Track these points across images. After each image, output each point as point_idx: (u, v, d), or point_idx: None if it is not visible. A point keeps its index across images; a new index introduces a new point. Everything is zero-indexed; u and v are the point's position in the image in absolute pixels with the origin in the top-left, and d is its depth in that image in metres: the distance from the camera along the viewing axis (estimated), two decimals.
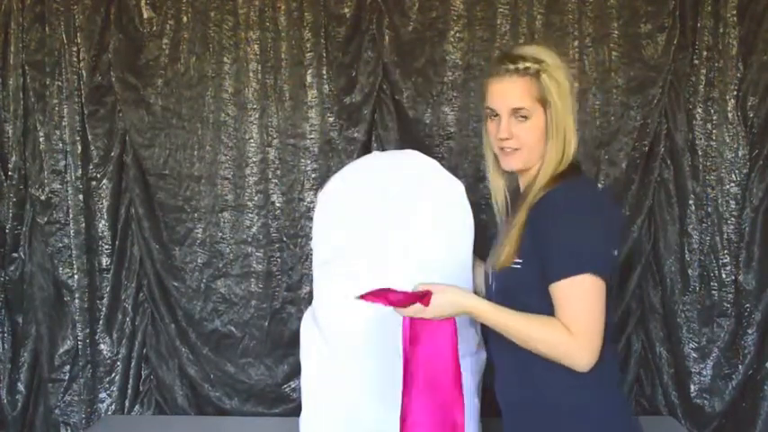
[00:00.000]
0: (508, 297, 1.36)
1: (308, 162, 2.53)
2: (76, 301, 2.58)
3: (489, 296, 1.47)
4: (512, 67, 1.37)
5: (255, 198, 2.54)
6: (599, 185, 1.38)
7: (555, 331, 1.26)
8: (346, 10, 2.48)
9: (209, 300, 2.57)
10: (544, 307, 1.29)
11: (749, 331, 2.49)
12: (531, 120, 1.37)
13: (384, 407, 1.72)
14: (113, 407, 2.62)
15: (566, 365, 1.27)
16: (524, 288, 1.34)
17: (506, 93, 1.38)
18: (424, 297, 1.37)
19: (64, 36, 2.50)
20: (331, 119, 2.51)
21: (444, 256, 1.83)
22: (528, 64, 1.36)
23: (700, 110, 2.47)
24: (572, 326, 1.24)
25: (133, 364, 2.63)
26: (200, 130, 2.53)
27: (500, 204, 1.56)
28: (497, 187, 1.55)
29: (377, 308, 1.64)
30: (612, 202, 1.28)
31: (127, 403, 2.63)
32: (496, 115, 1.42)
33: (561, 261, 1.25)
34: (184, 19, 2.50)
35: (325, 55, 2.49)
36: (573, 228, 1.25)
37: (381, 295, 1.40)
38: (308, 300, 2.35)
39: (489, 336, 1.42)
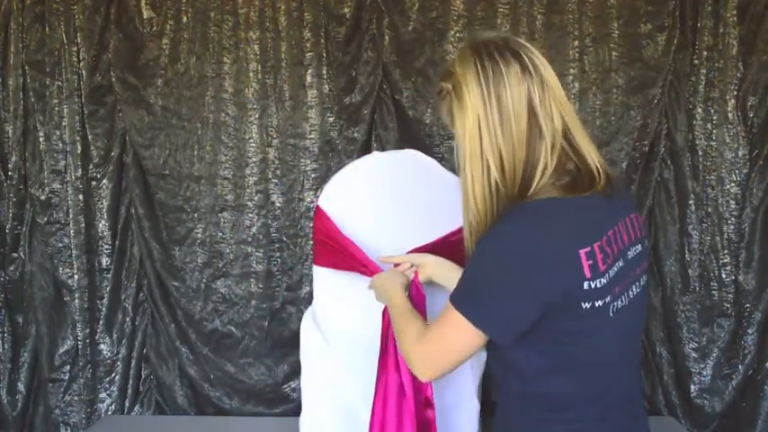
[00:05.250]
0: None
1: (308, 162, 2.53)
2: (76, 301, 2.58)
3: None
4: (438, 90, 1.23)
5: (255, 198, 2.54)
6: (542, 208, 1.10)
7: (409, 333, 1.26)
8: (346, 10, 2.48)
9: (209, 300, 2.57)
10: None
11: (749, 331, 2.49)
12: None
13: None
14: (113, 407, 2.62)
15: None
16: None
17: (444, 118, 1.25)
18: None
19: (64, 36, 2.50)
20: (331, 119, 2.51)
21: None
22: (441, 84, 1.20)
23: (700, 110, 2.48)
24: (424, 337, 1.20)
25: (133, 364, 2.63)
26: (200, 130, 2.53)
27: None
28: None
29: (378, 307, 1.65)
30: (549, 235, 1.05)
31: (127, 403, 2.63)
32: None
33: (461, 286, 1.15)
34: (184, 19, 2.50)
35: (325, 55, 2.49)
36: (481, 270, 1.11)
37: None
38: (308, 300, 2.35)
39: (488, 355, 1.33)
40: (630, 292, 1.16)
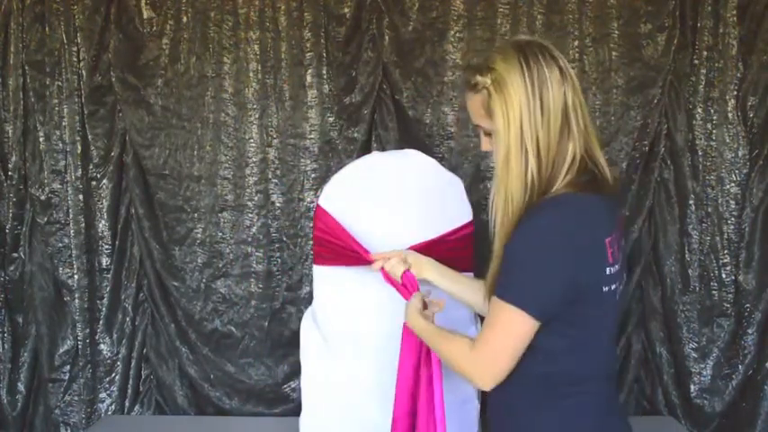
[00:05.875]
0: None
1: (308, 162, 2.53)
2: (76, 301, 2.58)
3: None
4: (470, 82, 1.28)
5: (255, 198, 2.54)
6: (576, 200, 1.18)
7: (457, 348, 1.28)
8: (346, 10, 2.48)
9: (209, 300, 2.57)
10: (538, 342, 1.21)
11: (749, 331, 2.49)
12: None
13: (384, 407, 1.72)
14: (113, 407, 2.62)
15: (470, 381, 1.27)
16: None
17: (469, 109, 1.31)
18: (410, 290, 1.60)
19: (64, 36, 2.50)
20: (331, 119, 2.51)
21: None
22: (477, 78, 1.24)
23: (700, 110, 2.48)
24: (478, 343, 1.23)
25: (133, 364, 2.63)
26: (200, 130, 2.53)
27: None
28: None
29: (377, 306, 1.65)
30: (584, 225, 1.16)
31: (127, 403, 2.63)
32: None
33: (503, 280, 1.20)
34: (184, 19, 2.50)
35: (325, 55, 2.49)
36: (523, 258, 1.17)
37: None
38: (308, 300, 2.35)
39: None
40: (621, 281, 1.28)
